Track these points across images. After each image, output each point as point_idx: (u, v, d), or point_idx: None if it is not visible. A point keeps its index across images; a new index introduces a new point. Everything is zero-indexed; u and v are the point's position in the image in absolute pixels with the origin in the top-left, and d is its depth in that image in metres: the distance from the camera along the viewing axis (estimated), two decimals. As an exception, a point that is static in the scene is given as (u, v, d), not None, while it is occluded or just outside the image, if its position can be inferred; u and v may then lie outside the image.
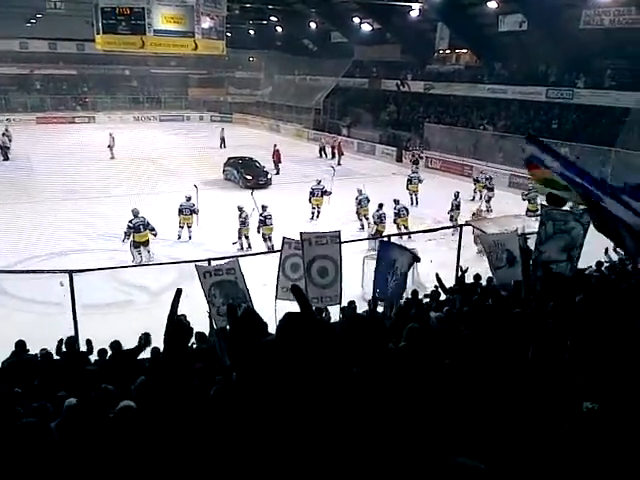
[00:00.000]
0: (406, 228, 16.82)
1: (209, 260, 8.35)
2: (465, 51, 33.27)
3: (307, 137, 40.14)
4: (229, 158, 26.65)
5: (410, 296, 9.80)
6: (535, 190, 16.53)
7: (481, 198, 20.81)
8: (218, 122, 46.06)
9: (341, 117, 40.00)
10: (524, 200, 18.80)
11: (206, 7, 31.21)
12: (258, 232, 15.78)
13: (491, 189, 21.28)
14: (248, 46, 47.41)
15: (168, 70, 48.91)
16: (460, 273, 11.20)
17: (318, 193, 19.36)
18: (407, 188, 21.46)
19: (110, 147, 29.65)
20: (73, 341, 7.09)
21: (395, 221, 17.06)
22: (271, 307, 7.38)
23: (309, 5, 36.27)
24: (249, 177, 24.49)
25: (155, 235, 14.70)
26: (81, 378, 5.70)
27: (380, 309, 8.94)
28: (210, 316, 7.91)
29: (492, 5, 25.98)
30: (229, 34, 39.02)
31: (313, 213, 19.31)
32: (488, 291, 9.37)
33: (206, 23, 32.40)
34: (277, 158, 27.90)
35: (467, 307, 7.53)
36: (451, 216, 17.92)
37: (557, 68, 26.90)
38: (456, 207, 18.12)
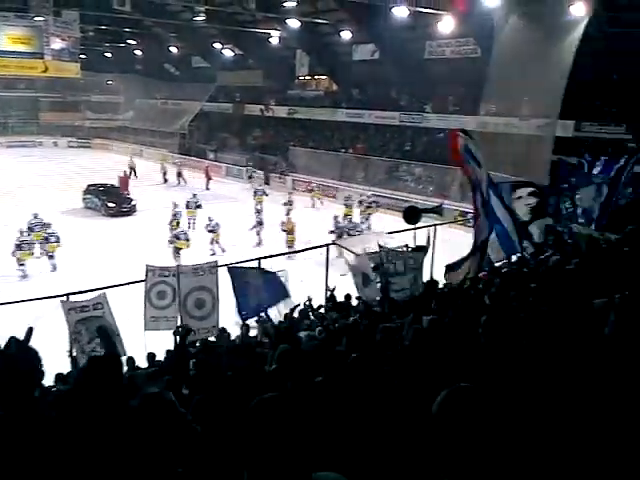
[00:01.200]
0: (217, 242, 18.46)
1: (67, 295, 7.86)
2: (324, 77, 34.81)
3: (172, 162, 39.32)
4: (89, 185, 25.33)
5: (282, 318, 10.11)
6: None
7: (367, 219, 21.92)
8: (75, 148, 43.60)
9: (207, 142, 39.82)
10: (344, 205, 21.79)
11: (57, 28, 29.66)
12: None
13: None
14: (105, 69, 45.52)
15: (16, 93, 45.32)
16: (329, 293, 11.78)
17: (192, 205, 21.41)
18: (254, 199, 23.24)
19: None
20: None
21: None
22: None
23: (168, 30, 35.83)
24: (112, 205, 23.47)
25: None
26: None
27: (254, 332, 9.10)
28: (71, 356, 7.48)
29: (346, 35, 27.55)
30: (84, 56, 37.36)
31: (189, 224, 20.67)
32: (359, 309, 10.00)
33: (57, 44, 30.74)
34: (126, 184, 27.66)
35: (339, 324, 8.00)
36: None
37: (407, 94, 29.10)
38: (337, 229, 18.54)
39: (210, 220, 18.98)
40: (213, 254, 17.60)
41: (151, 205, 24.66)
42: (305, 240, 17.75)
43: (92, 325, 7.58)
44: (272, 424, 2.15)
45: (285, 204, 22.04)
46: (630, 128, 19.16)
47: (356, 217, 21.92)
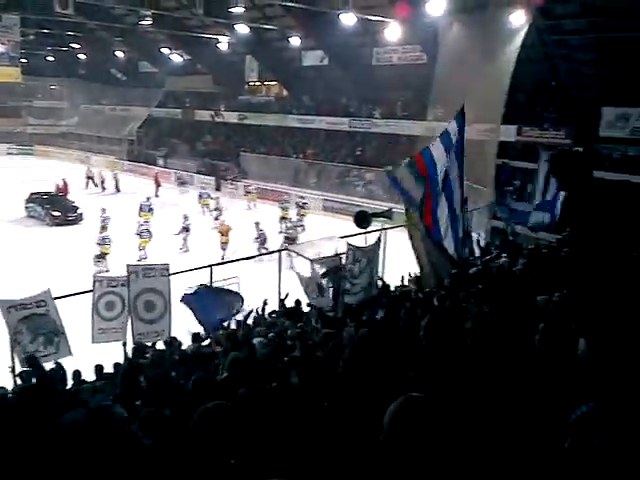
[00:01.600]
0: (143, 249, 18.36)
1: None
2: (274, 83, 34.81)
3: (122, 169, 38.50)
4: (32, 193, 24.43)
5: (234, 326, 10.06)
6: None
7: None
8: (15, 155, 41.98)
9: (156, 148, 39.13)
10: (280, 208, 22.17)
11: (-5, 31, 28.57)
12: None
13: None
14: (48, 73, 44.15)
15: (-49, 98, 43.33)
16: (281, 300, 11.79)
17: (146, 209, 21.61)
18: (198, 202, 23.63)
19: None
20: None
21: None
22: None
23: (113, 33, 35.01)
24: (56, 213, 22.73)
25: None
26: None
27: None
28: (13, 371, 7.14)
29: (295, 41, 27.65)
30: (25, 60, 36.11)
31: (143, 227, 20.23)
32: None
33: (-5, 48, 29.60)
34: (65, 192, 27.11)
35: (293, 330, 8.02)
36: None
37: (356, 100, 29.46)
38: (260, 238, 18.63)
39: (140, 225, 19.13)
40: (139, 260, 17.51)
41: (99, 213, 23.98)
42: (240, 244, 17.87)
43: (34, 324, 7.34)
44: (216, 432, 2.14)
45: (215, 209, 22.62)
46: (568, 133, 20.00)
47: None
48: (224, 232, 18.79)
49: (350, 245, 9.89)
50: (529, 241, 13.51)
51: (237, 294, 9.88)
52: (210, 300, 9.16)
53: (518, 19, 16.12)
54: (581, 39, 18.91)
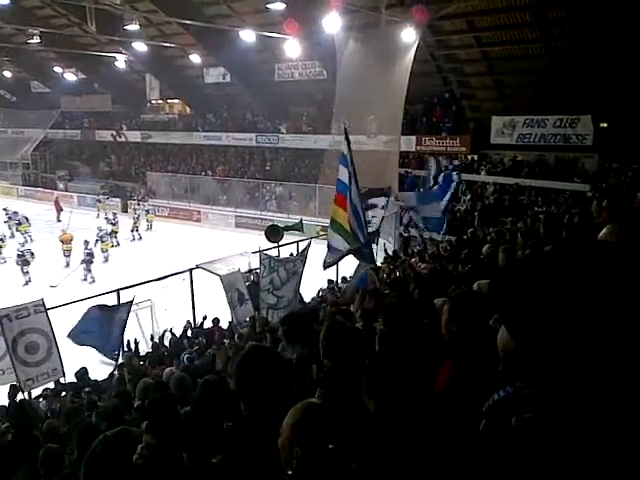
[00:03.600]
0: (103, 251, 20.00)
1: None
2: (177, 101, 34.24)
3: (17, 194, 36.31)
4: None
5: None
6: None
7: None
8: None
9: (55, 170, 37.23)
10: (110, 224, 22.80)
11: None
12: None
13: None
14: None
15: None
16: (201, 320, 11.67)
17: (107, 239, 21.09)
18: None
19: None
20: None
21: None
22: None
23: (0, 54, 33.00)
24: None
25: None
26: None
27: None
28: None
29: (195, 58, 27.37)
30: None
31: (106, 257, 20.47)
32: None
33: None
34: None
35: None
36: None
37: (262, 116, 29.61)
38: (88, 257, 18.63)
39: (21, 245, 18.80)
40: (26, 283, 17.44)
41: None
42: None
43: None
44: (116, 461, 2.13)
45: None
46: (462, 141, 21.27)
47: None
48: (66, 241, 19.92)
49: (264, 254, 9.84)
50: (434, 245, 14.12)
51: (123, 306, 9.26)
52: (105, 321, 8.79)
53: (409, 36, 16.96)
54: (468, 53, 20.19)
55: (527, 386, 1.14)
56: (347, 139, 7.78)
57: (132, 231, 24.49)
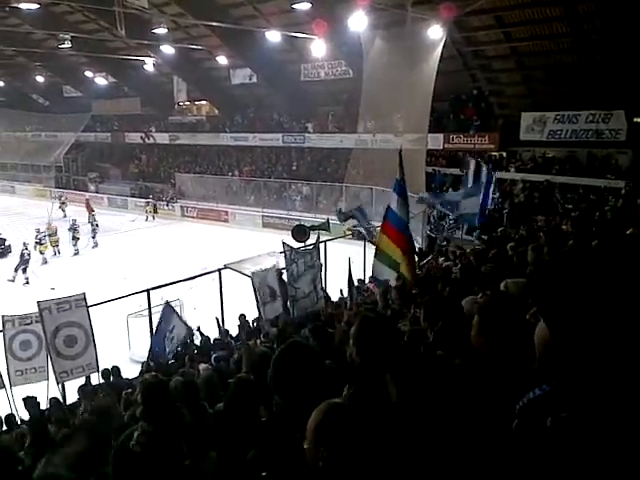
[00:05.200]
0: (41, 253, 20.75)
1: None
2: (204, 102, 34.58)
3: (50, 196, 37.11)
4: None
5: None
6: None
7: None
8: None
9: (86, 173, 38.02)
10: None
11: None
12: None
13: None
14: (-36, 102, 42.09)
15: None
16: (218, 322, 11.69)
17: (45, 241, 21.44)
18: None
19: None
20: None
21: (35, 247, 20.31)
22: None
23: (33, 59, 33.84)
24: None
25: None
26: None
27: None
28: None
29: (222, 60, 27.60)
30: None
31: (44, 260, 20.86)
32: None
33: None
34: None
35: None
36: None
37: (288, 116, 29.69)
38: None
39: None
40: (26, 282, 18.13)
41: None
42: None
43: None
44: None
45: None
46: (490, 138, 20.98)
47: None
48: (52, 233, 21.74)
49: (287, 245, 9.88)
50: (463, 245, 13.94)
51: (185, 324, 9.60)
52: (167, 323, 8.97)
53: (435, 33, 16.79)
54: (496, 49, 19.91)
55: (563, 385, 1.11)
56: (401, 164, 7.49)
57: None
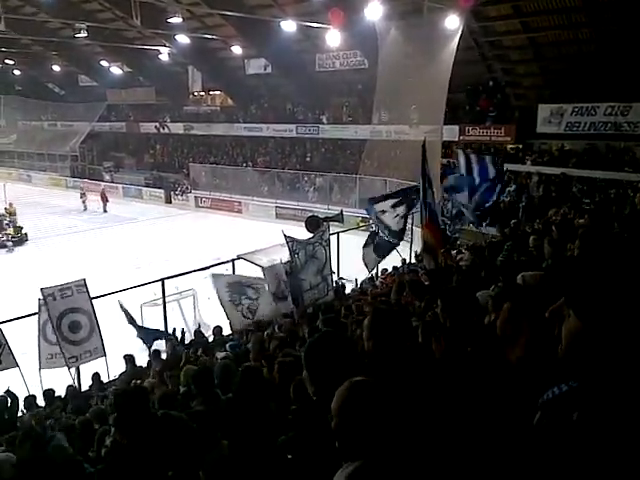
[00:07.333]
0: None
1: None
2: (219, 92, 34.57)
3: (66, 185, 37.49)
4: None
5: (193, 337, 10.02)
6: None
7: None
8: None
9: (101, 162, 38.25)
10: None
11: None
12: None
13: None
14: (-19, 91, 42.45)
15: None
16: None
17: None
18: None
19: None
20: None
21: None
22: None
23: (48, 48, 34.02)
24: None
25: None
26: None
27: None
28: None
29: (237, 50, 27.54)
30: (-45, 79, 34.72)
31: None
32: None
33: None
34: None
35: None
36: None
37: (303, 106, 29.59)
38: None
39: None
40: None
41: (44, 233, 23.41)
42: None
43: None
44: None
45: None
46: (506, 130, 20.73)
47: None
48: (12, 213, 22.96)
49: (288, 237, 9.66)
50: (472, 237, 13.81)
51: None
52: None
53: (452, 23, 16.60)
54: (514, 39, 19.64)
55: (592, 381, 1.08)
56: (424, 155, 7.81)
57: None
